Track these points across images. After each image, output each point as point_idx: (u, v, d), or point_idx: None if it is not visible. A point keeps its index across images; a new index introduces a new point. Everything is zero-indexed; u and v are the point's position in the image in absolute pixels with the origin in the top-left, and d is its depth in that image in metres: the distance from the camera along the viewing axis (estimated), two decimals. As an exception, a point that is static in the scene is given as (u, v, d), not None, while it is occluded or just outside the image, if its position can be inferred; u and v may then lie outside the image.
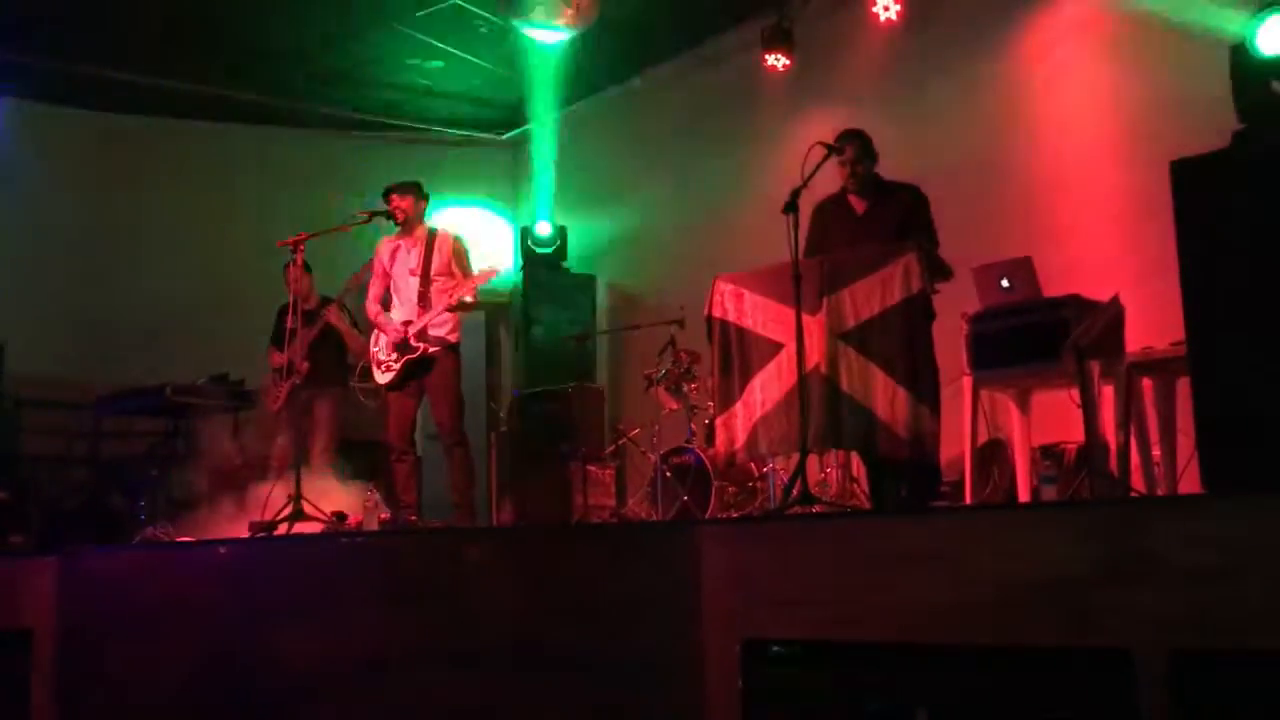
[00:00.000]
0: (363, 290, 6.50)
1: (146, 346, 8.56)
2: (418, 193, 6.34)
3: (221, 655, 4.21)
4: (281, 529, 5.54)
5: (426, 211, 6.39)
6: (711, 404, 6.02)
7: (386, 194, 6.31)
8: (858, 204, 5.41)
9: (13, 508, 7.07)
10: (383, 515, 5.74)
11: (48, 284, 8.67)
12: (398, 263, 6.30)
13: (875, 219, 5.31)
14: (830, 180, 5.38)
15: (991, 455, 5.91)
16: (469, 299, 6.09)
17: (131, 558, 4.97)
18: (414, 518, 5.96)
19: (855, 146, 5.31)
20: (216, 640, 4.24)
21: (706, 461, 6.77)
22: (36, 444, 7.98)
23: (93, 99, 9.21)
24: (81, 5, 7.80)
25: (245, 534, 5.80)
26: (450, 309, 6.06)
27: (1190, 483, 4.79)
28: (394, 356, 6.12)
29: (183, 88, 9.06)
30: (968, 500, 5.50)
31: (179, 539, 6.13)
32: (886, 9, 7.61)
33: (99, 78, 8.82)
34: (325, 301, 6.99)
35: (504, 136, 10.83)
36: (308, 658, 3.98)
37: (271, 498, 5.82)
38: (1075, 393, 4.89)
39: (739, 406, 5.01)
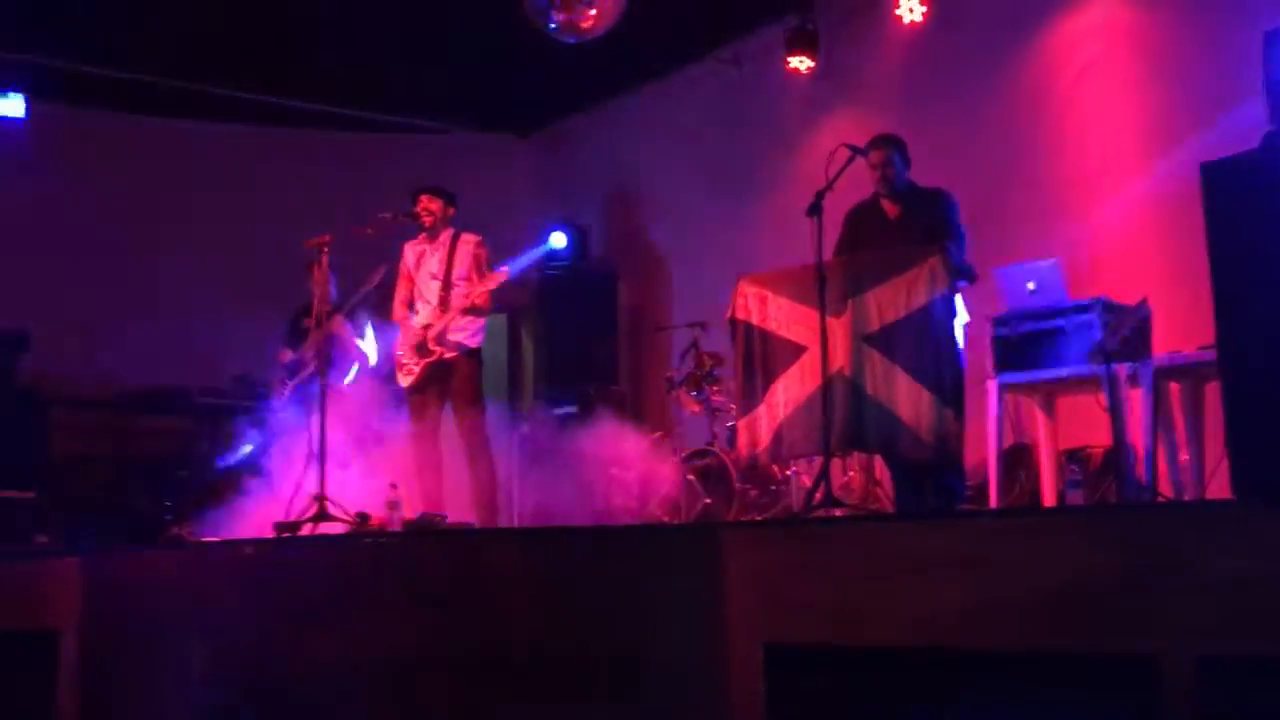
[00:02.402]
0: (386, 292, 6.51)
1: (171, 347, 8.62)
2: (447, 198, 6.34)
3: (246, 655, 4.22)
4: (306, 529, 5.56)
5: (454, 217, 6.39)
6: (734, 406, 6.00)
7: (416, 194, 6.31)
8: (890, 209, 5.40)
9: (38, 507, 7.12)
10: (405, 516, 5.74)
11: (74, 284, 8.74)
12: (422, 266, 6.31)
13: (907, 224, 5.30)
14: (855, 183, 5.36)
15: (1017, 459, 5.88)
16: (479, 304, 6.08)
17: (157, 558, 4.99)
18: (437, 519, 5.96)
19: (888, 151, 5.30)
20: (241, 640, 4.26)
21: (729, 464, 6.75)
22: (62, 443, 8.03)
23: (117, 101, 9.29)
24: (102, 7, 7.86)
25: (270, 534, 5.82)
26: (464, 312, 6.06)
27: (1218, 488, 4.75)
28: (414, 359, 6.13)
29: (207, 90, 9.12)
30: (993, 504, 5.47)
31: (204, 539, 6.16)
32: (911, 10, 7.58)
33: (122, 80, 8.89)
34: (336, 307, 6.99)
35: (528, 137, 10.85)
36: (331, 659, 3.99)
37: (295, 498, 5.84)
38: (1102, 397, 4.85)
39: (762, 409, 4.99)
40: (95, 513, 7.67)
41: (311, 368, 6.29)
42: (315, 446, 5.78)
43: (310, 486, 5.71)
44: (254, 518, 6.67)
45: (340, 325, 6.80)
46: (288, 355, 6.94)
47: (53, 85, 8.82)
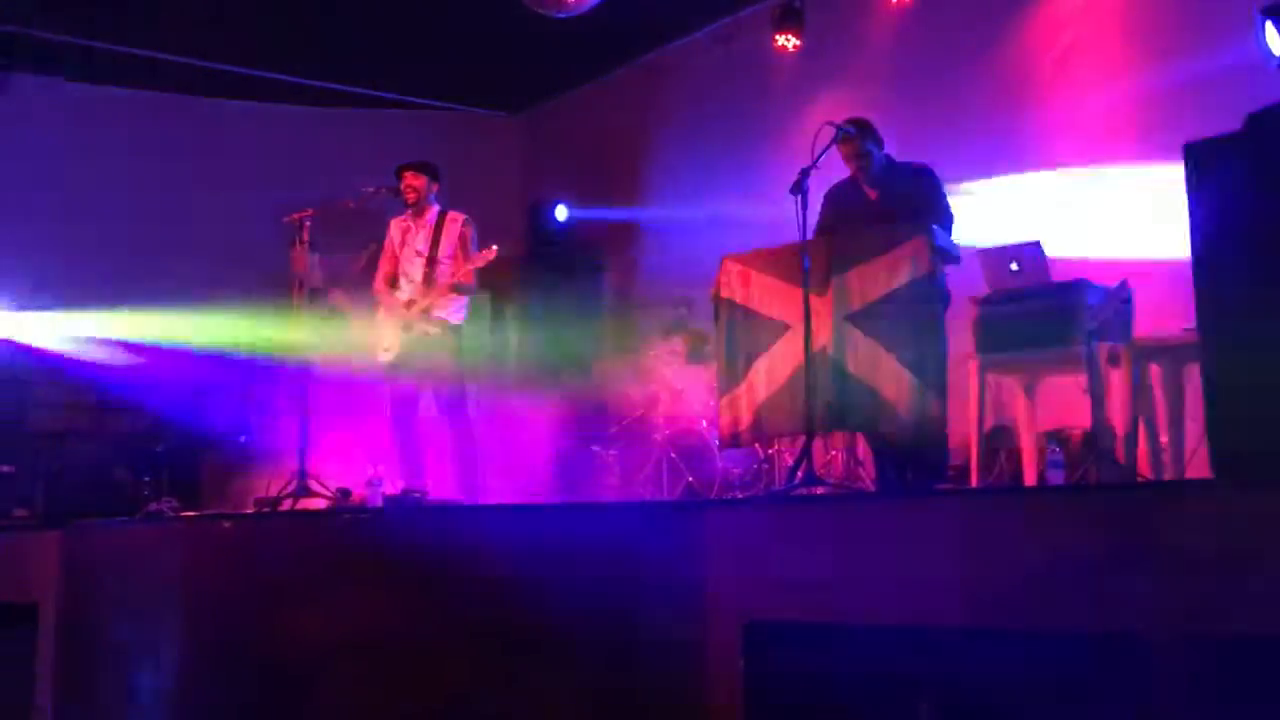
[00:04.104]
0: (371, 266, 6.48)
1: (154, 322, 8.58)
2: (431, 173, 6.31)
3: (224, 630, 4.22)
4: (286, 505, 5.55)
5: (439, 193, 6.36)
6: (717, 385, 6.00)
7: (399, 172, 6.28)
8: (870, 190, 5.39)
9: (18, 481, 7.08)
10: (386, 492, 5.73)
11: (52, 259, 8.66)
12: (407, 243, 6.28)
13: (888, 203, 5.29)
14: (840, 162, 5.35)
15: (998, 440, 5.89)
16: (465, 282, 6.07)
17: (136, 532, 4.97)
18: (418, 495, 5.95)
19: (856, 140, 5.27)
20: (220, 615, 4.25)
21: (711, 443, 6.76)
22: (42, 418, 7.99)
23: (106, 75, 9.21)
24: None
25: (250, 509, 5.81)
26: (450, 290, 6.05)
27: (1197, 470, 4.77)
28: (396, 336, 6.11)
29: (199, 64, 9.06)
30: (973, 484, 5.48)
31: (183, 514, 6.14)
32: (898, -11, 7.56)
33: (116, 55, 8.82)
34: (332, 281, 6.96)
35: (514, 114, 10.79)
36: (311, 633, 3.98)
37: (276, 473, 5.82)
38: (1083, 378, 4.86)
39: (744, 387, 4.99)
40: (75, 487, 7.64)
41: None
42: (298, 423, 5.77)
43: (292, 462, 5.70)
44: (238, 493, 6.67)
45: (339, 297, 6.75)
46: None
47: (49, 60, 8.75)
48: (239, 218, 8.76)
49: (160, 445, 7.85)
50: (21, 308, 8.15)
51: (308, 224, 6.10)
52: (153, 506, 6.40)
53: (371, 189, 6.19)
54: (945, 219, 5.16)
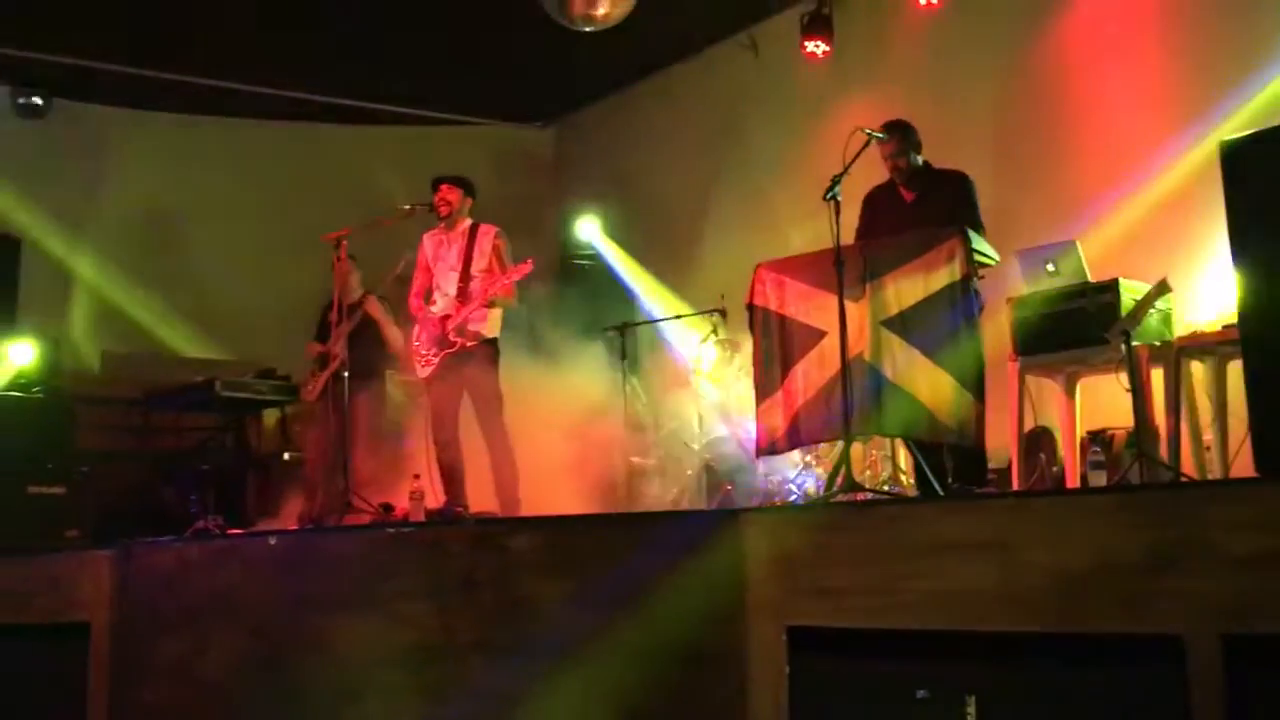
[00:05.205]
0: (405, 282, 6.52)
1: (196, 343, 8.71)
2: (466, 188, 6.33)
3: (272, 645, 4.27)
4: (330, 520, 5.60)
5: (472, 208, 6.40)
6: (754, 392, 5.99)
7: (435, 184, 6.31)
8: (907, 193, 5.40)
9: (68, 502, 7.18)
10: (429, 506, 5.78)
11: (101, 280, 8.80)
12: (440, 257, 6.31)
13: (924, 208, 5.29)
14: (872, 167, 5.35)
15: (1038, 441, 5.85)
16: (504, 296, 6.09)
17: (184, 550, 5.05)
18: (459, 509, 5.99)
19: (897, 140, 5.29)
20: (267, 630, 4.30)
21: (749, 450, 6.74)
22: (90, 439, 8.10)
23: (143, 98, 9.35)
24: (127, 6, 7.92)
25: (294, 526, 5.87)
26: (486, 305, 6.08)
27: (1241, 468, 4.73)
28: (432, 350, 6.14)
29: (230, 85, 9.17)
30: (1015, 487, 5.45)
31: (230, 531, 6.22)
32: (928, -7, 7.54)
33: (147, 78, 8.95)
34: (366, 294, 7.01)
35: (545, 126, 10.85)
36: (356, 647, 4.02)
37: (320, 490, 5.88)
38: (1123, 377, 4.83)
39: (780, 395, 4.98)
40: (123, 507, 7.74)
41: (340, 360, 6.30)
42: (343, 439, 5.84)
43: (336, 478, 5.76)
44: (284, 510, 6.73)
45: (376, 309, 6.77)
46: (316, 348, 6.98)
47: (78, 83, 8.90)
48: (278, 240, 8.87)
49: (206, 464, 7.95)
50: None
51: (345, 242, 6.17)
52: (200, 525, 6.49)
53: (408, 206, 6.24)
54: (978, 226, 5.15)
